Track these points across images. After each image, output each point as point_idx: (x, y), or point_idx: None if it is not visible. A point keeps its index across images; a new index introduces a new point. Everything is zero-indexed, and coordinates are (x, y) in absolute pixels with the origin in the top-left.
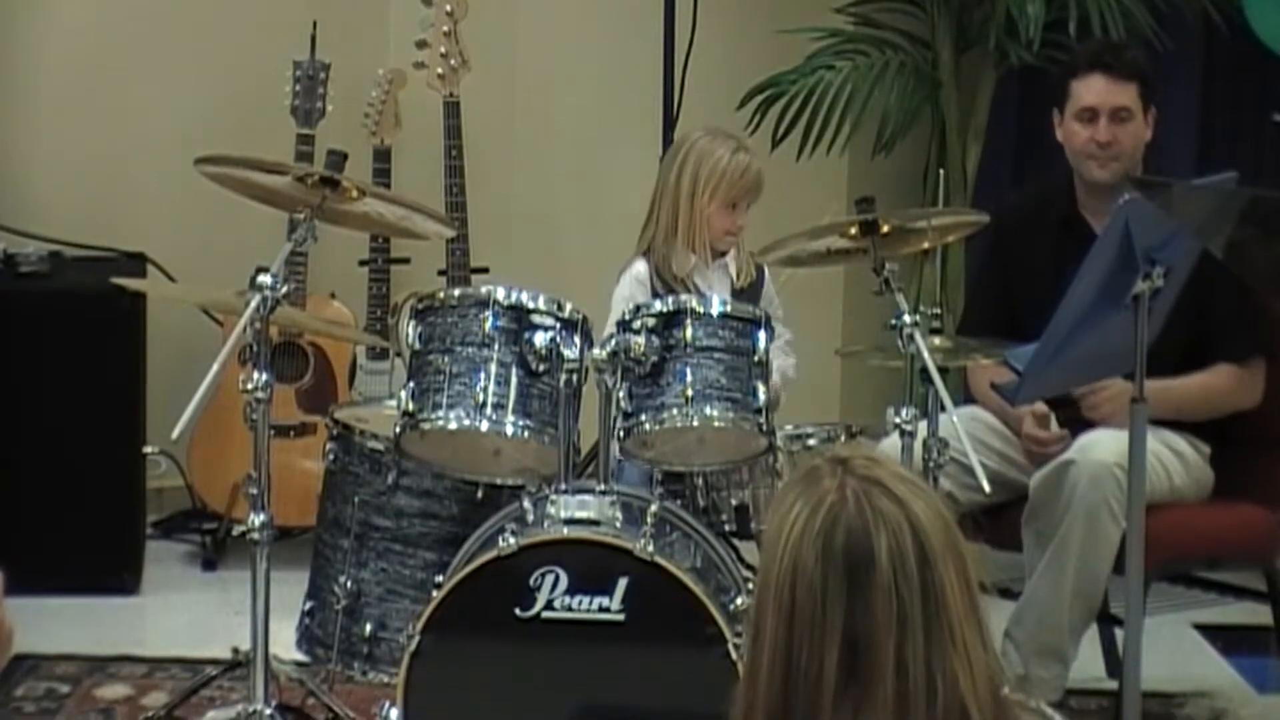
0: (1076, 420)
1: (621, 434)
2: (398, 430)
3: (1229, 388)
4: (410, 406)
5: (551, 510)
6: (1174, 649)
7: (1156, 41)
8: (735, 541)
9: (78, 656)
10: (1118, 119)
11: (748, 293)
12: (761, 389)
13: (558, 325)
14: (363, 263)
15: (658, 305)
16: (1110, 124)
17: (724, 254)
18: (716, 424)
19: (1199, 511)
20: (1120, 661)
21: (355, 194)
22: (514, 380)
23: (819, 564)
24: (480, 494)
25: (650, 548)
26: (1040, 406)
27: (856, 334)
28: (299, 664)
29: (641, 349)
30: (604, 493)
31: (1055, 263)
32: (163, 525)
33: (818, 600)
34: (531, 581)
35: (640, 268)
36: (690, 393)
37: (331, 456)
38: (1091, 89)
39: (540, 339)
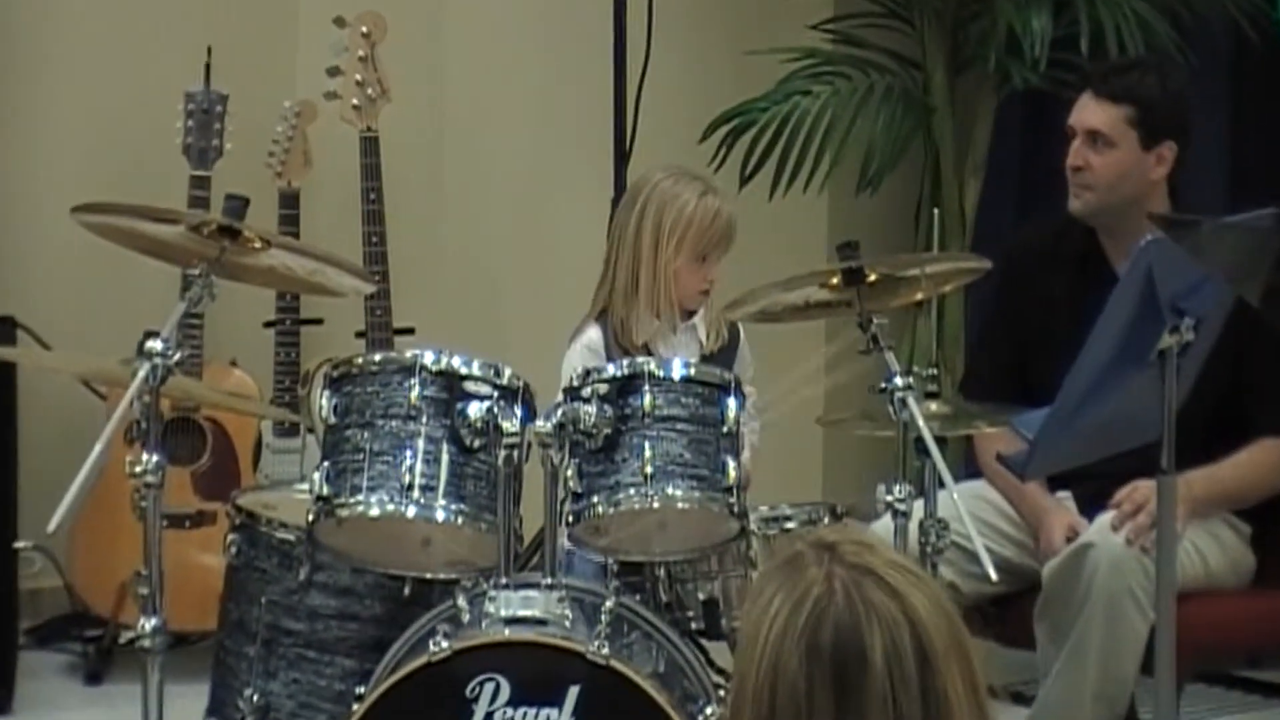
0: (1094, 496)
1: (571, 519)
2: (311, 518)
3: (1276, 464)
4: (325, 490)
5: (490, 608)
6: None
7: (1180, 57)
8: (704, 642)
9: None
10: (1091, 142)
11: (719, 357)
12: (731, 464)
13: (494, 394)
14: (268, 324)
15: (611, 369)
16: (1083, 146)
17: (693, 314)
18: (680, 505)
19: (1238, 600)
20: None
21: (259, 244)
22: (445, 458)
23: (803, 666)
24: (407, 591)
25: (605, 650)
26: (1079, 520)
27: (840, 399)
28: None
29: (593, 420)
30: (551, 587)
31: (1072, 307)
32: (38, 632)
33: (801, 708)
34: (468, 691)
35: (593, 335)
36: (649, 469)
37: (234, 550)
38: (1075, 107)
39: (474, 410)
